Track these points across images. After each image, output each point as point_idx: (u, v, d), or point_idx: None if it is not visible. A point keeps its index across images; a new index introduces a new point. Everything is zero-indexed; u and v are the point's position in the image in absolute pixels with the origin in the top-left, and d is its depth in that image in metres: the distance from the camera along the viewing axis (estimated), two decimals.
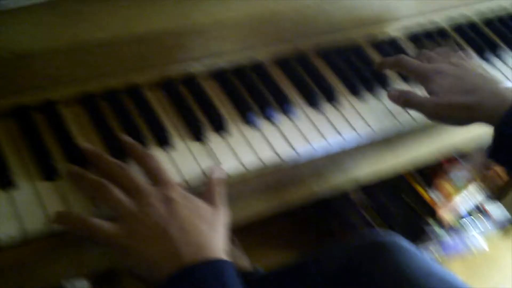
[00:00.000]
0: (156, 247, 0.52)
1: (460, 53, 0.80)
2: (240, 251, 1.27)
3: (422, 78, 0.75)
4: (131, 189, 0.55)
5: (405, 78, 0.85)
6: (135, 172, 0.58)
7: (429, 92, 0.74)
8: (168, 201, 0.55)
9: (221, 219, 0.58)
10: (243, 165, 0.66)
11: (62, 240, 0.56)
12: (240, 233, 1.30)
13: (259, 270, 1.13)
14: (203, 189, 0.61)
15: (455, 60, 0.76)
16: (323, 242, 1.34)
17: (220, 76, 0.75)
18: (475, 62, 0.78)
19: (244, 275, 1.12)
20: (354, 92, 0.80)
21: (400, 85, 0.83)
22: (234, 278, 0.53)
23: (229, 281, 0.52)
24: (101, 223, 0.54)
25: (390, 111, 0.79)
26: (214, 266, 0.52)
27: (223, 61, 0.75)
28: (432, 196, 1.31)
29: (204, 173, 0.63)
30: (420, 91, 0.77)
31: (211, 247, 0.54)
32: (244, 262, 1.23)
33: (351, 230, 1.39)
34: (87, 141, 0.63)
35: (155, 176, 0.58)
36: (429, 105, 0.73)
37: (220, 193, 0.61)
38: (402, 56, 0.78)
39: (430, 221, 1.31)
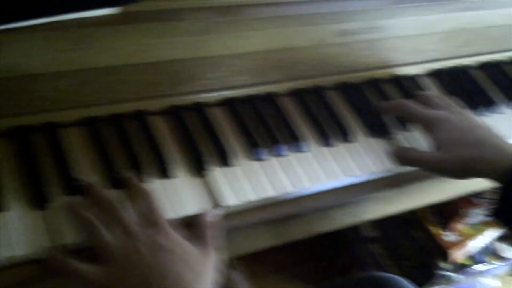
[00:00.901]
0: None
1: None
2: (240, 276, 1.26)
3: (425, 125, 0.74)
4: (121, 230, 0.55)
5: None
6: (128, 210, 0.57)
7: (433, 141, 0.73)
8: (155, 247, 0.54)
9: (210, 264, 0.57)
10: (245, 199, 0.64)
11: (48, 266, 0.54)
12: (246, 261, 1.29)
13: None
14: (195, 230, 0.60)
15: (460, 110, 0.75)
16: (331, 276, 1.32)
17: (231, 107, 0.73)
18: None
19: None
20: (369, 130, 0.78)
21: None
22: None
23: None
24: (81, 266, 0.53)
25: None
26: None
27: (237, 94, 0.74)
28: (446, 237, 1.27)
29: (200, 209, 0.62)
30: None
31: None
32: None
33: (360, 266, 1.36)
34: (86, 165, 0.61)
35: (148, 216, 0.57)
36: (432, 161, 0.71)
37: (211, 236, 0.60)
38: (403, 101, 0.77)
39: (442, 262, 1.28)
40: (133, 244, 0.54)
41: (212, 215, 0.62)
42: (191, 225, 0.61)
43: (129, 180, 0.60)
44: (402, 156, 0.74)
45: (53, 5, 0.56)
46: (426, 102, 0.77)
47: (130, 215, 0.57)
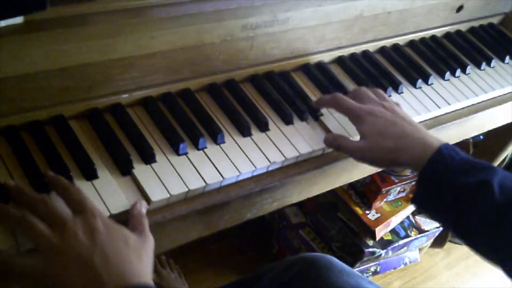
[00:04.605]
0: (78, 277, 0.52)
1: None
2: (176, 274, 1.27)
3: (355, 118, 0.78)
4: (54, 222, 0.55)
5: None
6: (59, 205, 0.57)
7: (360, 133, 0.77)
8: (91, 230, 0.55)
9: (147, 246, 0.59)
10: (170, 193, 0.66)
11: None
12: (182, 257, 1.30)
13: None
14: (127, 221, 0.61)
15: (388, 104, 0.79)
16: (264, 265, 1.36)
17: (148, 105, 0.75)
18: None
19: None
20: (282, 118, 0.82)
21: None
22: None
23: None
24: (20, 259, 0.53)
25: (317, 134, 0.82)
26: None
27: (153, 93, 0.76)
28: (370, 216, 1.34)
29: (130, 205, 0.63)
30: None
31: (135, 273, 0.54)
32: (180, 286, 1.23)
33: (293, 252, 1.40)
34: (10, 174, 0.61)
35: (78, 206, 0.58)
36: (358, 150, 0.76)
37: (146, 224, 0.61)
38: (338, 95, 0.81)
39: (369, 240, 1.34)
40: (69, 229, 0.54)
41: (140, 205, 0.63)
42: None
43: (54, 178, 0.60)
44: (335, 142, 0.79)
45: None
46: (357, 96, 0.81)
47: (60, 207, 0.57)
